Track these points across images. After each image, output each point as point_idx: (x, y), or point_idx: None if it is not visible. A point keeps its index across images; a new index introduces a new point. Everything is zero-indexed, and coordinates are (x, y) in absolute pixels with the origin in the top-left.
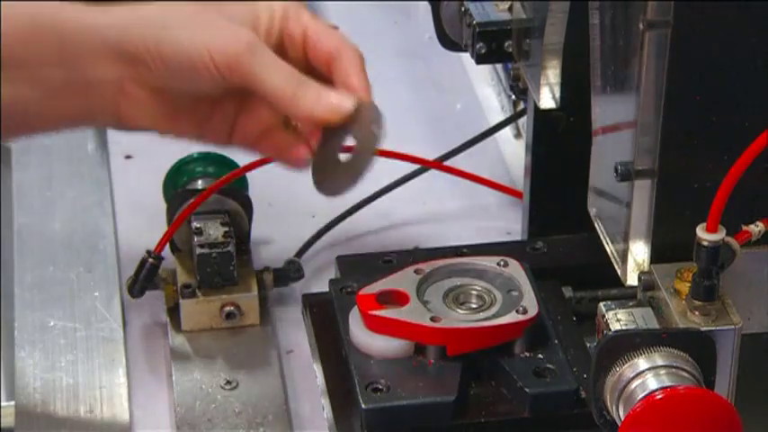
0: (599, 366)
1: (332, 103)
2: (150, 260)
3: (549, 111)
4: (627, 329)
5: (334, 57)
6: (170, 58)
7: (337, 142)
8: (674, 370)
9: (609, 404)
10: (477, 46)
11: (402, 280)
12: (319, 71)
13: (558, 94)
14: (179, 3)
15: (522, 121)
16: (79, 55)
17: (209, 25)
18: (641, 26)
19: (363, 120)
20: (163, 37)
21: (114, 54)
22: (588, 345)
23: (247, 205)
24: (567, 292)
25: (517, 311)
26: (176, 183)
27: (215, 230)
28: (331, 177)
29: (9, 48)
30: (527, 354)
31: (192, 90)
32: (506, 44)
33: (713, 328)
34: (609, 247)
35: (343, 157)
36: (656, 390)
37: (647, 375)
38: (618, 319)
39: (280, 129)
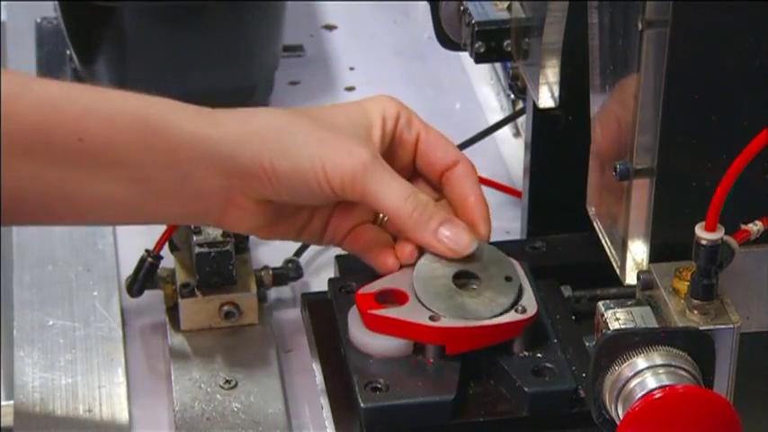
0: (598, 365)
1: (451, 241)
2: (149, 259)
3: (548, 110)
4: (626, 328)
5: (448, 169)
6: (285, 176)
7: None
8: (672, 369)
9: (608, 403)
10: (476, 45)
11: (401, 279)
12: (427, 178)
13: (556, 94)
14: (289, 113)
15: (521, 120)
16: (191, 165)
17: (324, 142)
18: (640, 25)
19: (477, 258)
20: (278, 154)
21: (228, 169)
22: (587, 344)
23: None
24: (566, 291)
25: (516, 311)
26: None
27: (214, 230)
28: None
29: (111, 146)
30: (526, 353)
31: (302, 203)
32: (505, 43)
33: (712, 328)
34: (608, 247)
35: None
36: (655, 389)
37: (645, 374)
38: (617, 318)
39: (369, 224)
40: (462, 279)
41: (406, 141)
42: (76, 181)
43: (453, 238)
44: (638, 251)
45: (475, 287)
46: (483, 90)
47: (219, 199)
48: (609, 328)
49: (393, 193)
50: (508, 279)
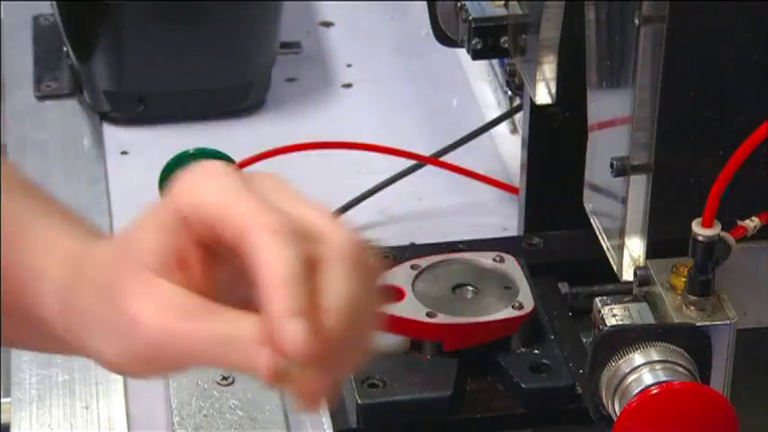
0: (595, 361)
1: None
2: None
3: (545, 106)
4: (622, 324)
5: (236, 247)
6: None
7: None
8: (669, 365)
9: (605, 399)
10: (473, 42)
11: (398, 275)
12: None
13: (553, 90)
14: (87, 274)
15: (519, 116)
16: None
17: (108, 322)
18: (637, 21)
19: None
20: (79, 346)
21: None
22: (584, 340)
23: None
24: (563, 287)
25: (513, 307)
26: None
27: None
28: None
29: None
30: (523, 349)
31: None
32: (502, 40)
33: (708, 324)
34: (604, 243)
35: None
36: (652, 385)
37: (642, 370)
38: (613, 315)
39: None
40: (461, 289)
41: (209, 235)
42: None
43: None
44: (634, 247)
45: (473, 296)
46: (480, 86)
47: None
48: (606, 325)
49: (199, 355)
50: (507, 288)
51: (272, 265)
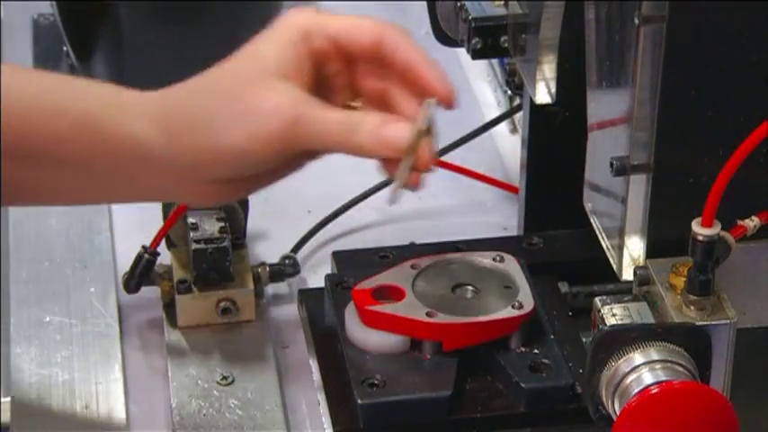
0: (594, 361)
1: (387, 138)
2: (146, 256)
3: (545, 106)
4: (622, 324)
5: (377, 48)
6: (219, 163)
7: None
8: (669, 364)
9: (604, 399)
10: (473, 41)
11: (398, 275)
12: (370, 66)
13: (553, 90)
14: (196, 89)
15: (518, 116)
16: (137, 169)
17: (242, 115)
18: (636, 21)
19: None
20: (205, 147)
21: (172, 174)
22: (584, 340)
23: (243, 201)
24: (563, 287)
25: (513, 307)
26: None
27: (211, 226)
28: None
29: (55, 145)
30: (523, 349)
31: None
32: (502, 39)
33: (708, 323)
34: (604, 242)
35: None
36: (652, 384)
37: (642, 370)
38: (613, 314)
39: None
40: (461, 289)
41: (324, 49)
42: (24, 171)
43: (396, 134)
44: (634, 247)
45: (473, 296)
46: (480, 86)
47: (172, 190)
48: (605, 324)
49: (327, 133)
50: (507, 287)
51: (417, 51)
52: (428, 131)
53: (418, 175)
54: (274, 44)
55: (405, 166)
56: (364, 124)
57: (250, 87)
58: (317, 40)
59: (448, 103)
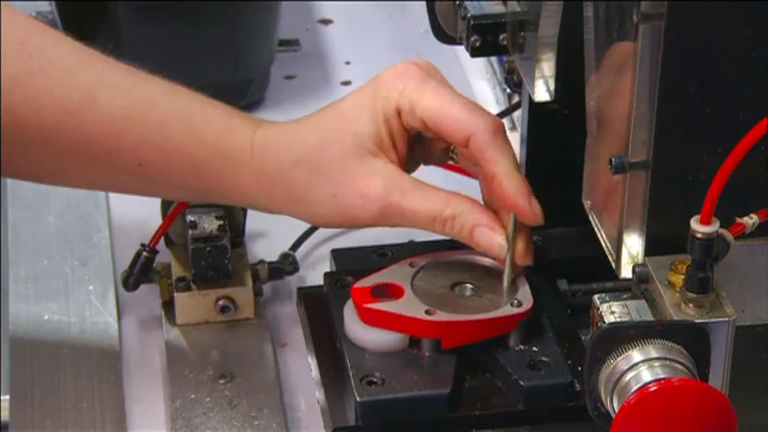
0: (593, 359)
1: (485, 246)
2: (145, 254)
3: (544, 104)
4: (621, 322)
5: (466, 143)
6: (314, 224)
7: None
8: (668, 362)
9: (603, 396)
10: (472, 39)
11: (397, 273)
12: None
13: (552, 87)
14: (303, 161)
15: (517, 114)
16: (240, 201)
17: (337, 197)
18: (635, 19)
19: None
20: (303, 214)
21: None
22: (583, 337)
23: None
24: (562, 284)
25: (512, 304)
26: None
27: (210, 224)
28: None
29: (168, 175)
30: (522, 346)
31: None
32: (501, 37)
33: (707, 321)
34: (603, 240)
35: None
36: (651, 382)
37: (641, 367)
38: (612, 312)
39: None
40: (460, 287)
41: (416, 127)
42: (135, 185)
43: (487, 243)
44: (633, 244)
45: (472, 293)
46: (479, 84)
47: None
48: (604, 322)
49: (422, 218)
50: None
51: (502, 162)
52: (520, 229)
53: (524, 257)
54: (370, 118)
55: (507, 264)
56: (456, 219)
57: (345, 166)
58: (410, 119)
59: (533, 221)
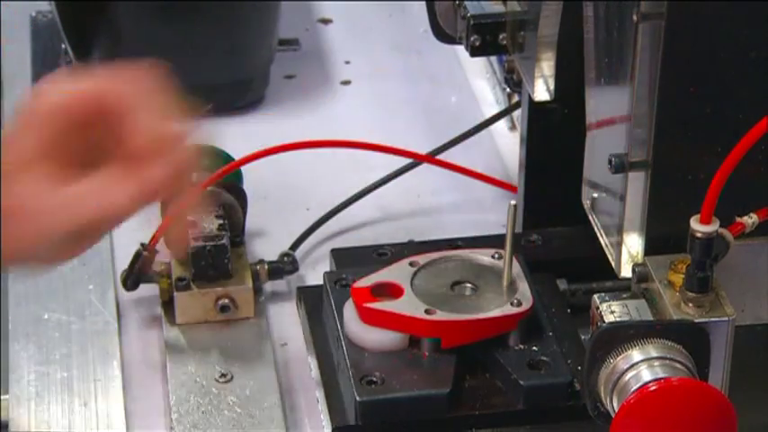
0: (593, 358)
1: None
2: (145, 253)
3: (544, 103)
4: (621, 321)
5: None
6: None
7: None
8: (667, 361)
9: (603, 396)
10: (472, 38)
11: (397, 272)
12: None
13: (552, 87)
14: None
15: (517, 113)
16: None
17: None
18: (635, 18)
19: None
20: None
21: None
22: (582, 337)
23: (242, 198)
24: (562, 284)
25: (512, 304)
26: None
27: (209, 223)
28: None
29: None
30: (521, 346)
31: None
32: (501, 37)
33: (707, 320)
34: (603, 240)
35: None
36: (650, 381)
37: (640, 367)
38: (612, 311)
39: None
40: (459, 287)
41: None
42: None
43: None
44: (633, 244)
45: (472, 293)
46: (479, 83)
47: None
48: (604, 321)
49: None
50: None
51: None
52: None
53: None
54: (26, 133)
55: (506, 264)
56: (84, 198)
57: (7, 192)
58: (75, 108)
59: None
